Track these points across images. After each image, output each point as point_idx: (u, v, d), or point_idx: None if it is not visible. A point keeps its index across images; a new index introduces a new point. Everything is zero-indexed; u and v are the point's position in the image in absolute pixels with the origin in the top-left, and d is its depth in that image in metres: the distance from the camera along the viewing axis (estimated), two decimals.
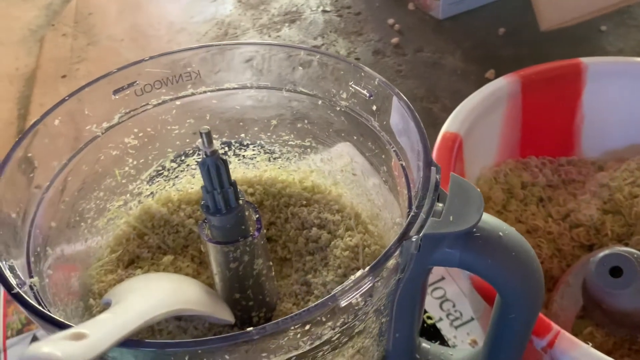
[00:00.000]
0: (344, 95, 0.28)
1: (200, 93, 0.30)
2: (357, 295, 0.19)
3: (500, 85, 0.45)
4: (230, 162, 0.33)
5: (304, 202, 0.32)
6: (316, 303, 0.18)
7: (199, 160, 0.32)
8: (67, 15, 0.87)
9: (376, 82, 0.26)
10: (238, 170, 0.33)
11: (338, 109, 0.29)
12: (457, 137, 0.41)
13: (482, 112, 0.43)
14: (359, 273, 0.19)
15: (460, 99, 0.44)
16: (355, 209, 0.31)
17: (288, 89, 0.30)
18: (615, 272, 0.33)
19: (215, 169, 0.23)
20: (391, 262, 0.19)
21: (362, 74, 0.27)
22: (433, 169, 0.22)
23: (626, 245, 0.41)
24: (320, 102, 0.30)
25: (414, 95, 0.62)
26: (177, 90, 0.30)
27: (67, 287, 0.26)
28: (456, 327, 0.42)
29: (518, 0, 0.72)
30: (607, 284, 0.33)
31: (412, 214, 0.20)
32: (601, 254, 0.34)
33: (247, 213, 0.26)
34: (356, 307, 0.19)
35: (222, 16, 0.80)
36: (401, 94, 0.25)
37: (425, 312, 0.39)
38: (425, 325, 0.38)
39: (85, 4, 0.89)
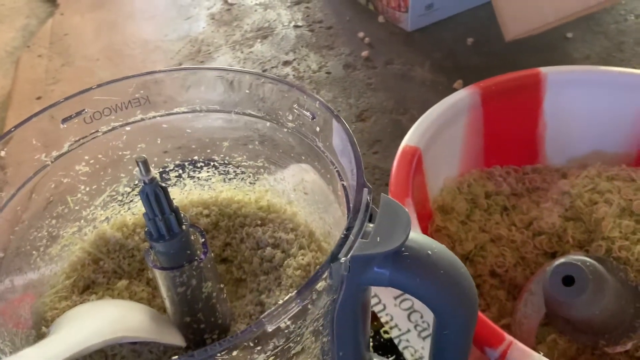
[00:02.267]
0: (290, 117, 0.29)
1: (150, 118, 0.30)
2: (286, 319, 0.19)
3: (460, 98, 0.45)
4: (185, 185, 0.34)
5: (259, 222, 0.32)
6: (243, 329, 0.18)
7: None
8: (43, 37, 0.87)
9: (317, 104, 0.27)
10: (194, 192, 0.34)
11: (285, 130, 0.30)
12: (416, 151, 0.41)
13: (443, 125, 0.44)
14: (287, 297, 0.19)
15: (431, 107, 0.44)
16: (310, 226, 0.32)
17: (236, 112, 0.30)
18: (569, 280, 0.34)
19: (154, 196, 0.23)
20: (320, 285, 0.20)
21: (305, 96, 0.27)
22: (365, 190, 0.22)
23: (587, 251, 0.42)
24: (268, 124, 0.30)
25: (383, 108, 0.63)
26: (126, 116, 0.30)
27: (17, 316, 0.26)
28: (424, 338, 0.42)
29: (486, 10, 0.73)
30: (561, 294, 0.34)
31: (341, 235, 0.21)
32: (555, 264, 0.35)
33: (193, 237, 0.26)
34: (286, 331, 0.19)
35: (195, 33, 0.80)
36: (340, 116, 0.26)
37: (382, 326, 0.39)
38: (381, 340, 0.38)
39: (60, 25, 0.89)
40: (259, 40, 0.77)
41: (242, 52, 0.75)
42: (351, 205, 0.24)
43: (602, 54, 0.67)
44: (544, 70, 0.47)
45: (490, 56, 0.68)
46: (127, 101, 0.30)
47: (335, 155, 0.27)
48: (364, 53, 0.71)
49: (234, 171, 0.33)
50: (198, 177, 0.33)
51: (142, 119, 0.30)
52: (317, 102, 0.27)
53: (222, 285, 0.28)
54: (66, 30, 0.88)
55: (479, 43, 0.70)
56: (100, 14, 0.91)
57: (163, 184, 0.23)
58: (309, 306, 0.20)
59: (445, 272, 0.21)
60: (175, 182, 0.33)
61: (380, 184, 0.56)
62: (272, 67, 0.72)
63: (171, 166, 0.33)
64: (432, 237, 0.44)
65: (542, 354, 0.30)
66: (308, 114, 0.28)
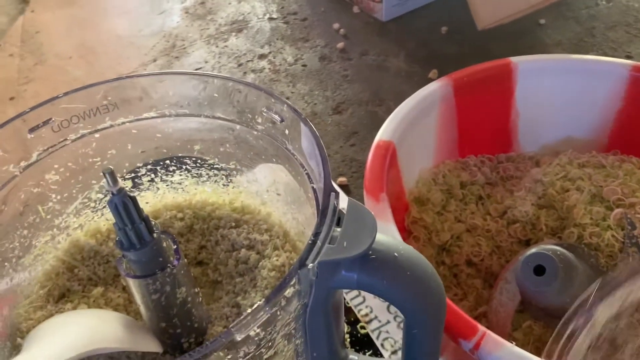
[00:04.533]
0: (259, 120, 0.29)
1: (119, 124, 0.30)
2: (255, 327, 0.19)
3: (432, 90, 0.46)
4: (158, 189, 0.34)
5: (234, 224, 0.32)
6: (212, 339, 0.19)
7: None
8: (14, 35, 0.86)
9: (285, 108, 0.27)
10: (167, 196, 0.34)
11: (255, 132, 0.30)
12: (390, 145, 0.42)
13: (416, 118, 0.44)
14: (255, 305, 0.19)
15: (404, 101, 0.45)
16: (284, 226, 0.32)
17: (206, 115, 0.30)
18: (540, 270, 0.34)
19: (122, 206, 0.23)
20: (289, 291, 0.20)
21: (273, 99, 0.28)
22: (332, 194, 0.22)
23: (559, 238, 0.43)
24: (238, 126, 0.30)
25: (359, 100, 0.63)
26: (95, 123, 0.30)
27: None
28: None
29: None
30: (532, 283, 0.34)
31: (309, 242, 0.21)
32: (526, 254, 0.36)
33: (165, 244, 0.26)
34: (257, 338, 0.20)
35: (169, 28, 0.80)
36: (307, 119, 0.26)
37: (358, 322, 0.40)
38: (358, 335, 0.39)
39: (32, 23, 0.88)
40: (233, 33, 0.76)
41: (217, 47, 0.74)
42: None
43: (573, 40, 0.68)
44: (514, 60, 0.47)
45: (464, 44, 0.69)
46: (94, 108, 0.30)
47: (304, 158, 0.27)
48: (340, 44, 0.71)
49: (207, 173, 0.33)
50: (171, 181, 0.33)
51: (111, 125, 0.30)
52: (285, 105, 0.27)
53: (197, 290, 0.28)
54: (38, 27, 0.87)
55: (453, 31, 0.71)
56: (72, 10, 0.90)
57: (131, 194, 0.23)
58: (278, 313, 0.20)
59: (411, 273, 0.21)
60: (148, 186, 0.33)
61: (358, 177, 0.57)
62: (248, 61, 0.71)
63: (143, 171, 0.33)
64: (409, 229, 0.45)
65: (514, 344, 0.30)
66: (277, 117, 0.28)
